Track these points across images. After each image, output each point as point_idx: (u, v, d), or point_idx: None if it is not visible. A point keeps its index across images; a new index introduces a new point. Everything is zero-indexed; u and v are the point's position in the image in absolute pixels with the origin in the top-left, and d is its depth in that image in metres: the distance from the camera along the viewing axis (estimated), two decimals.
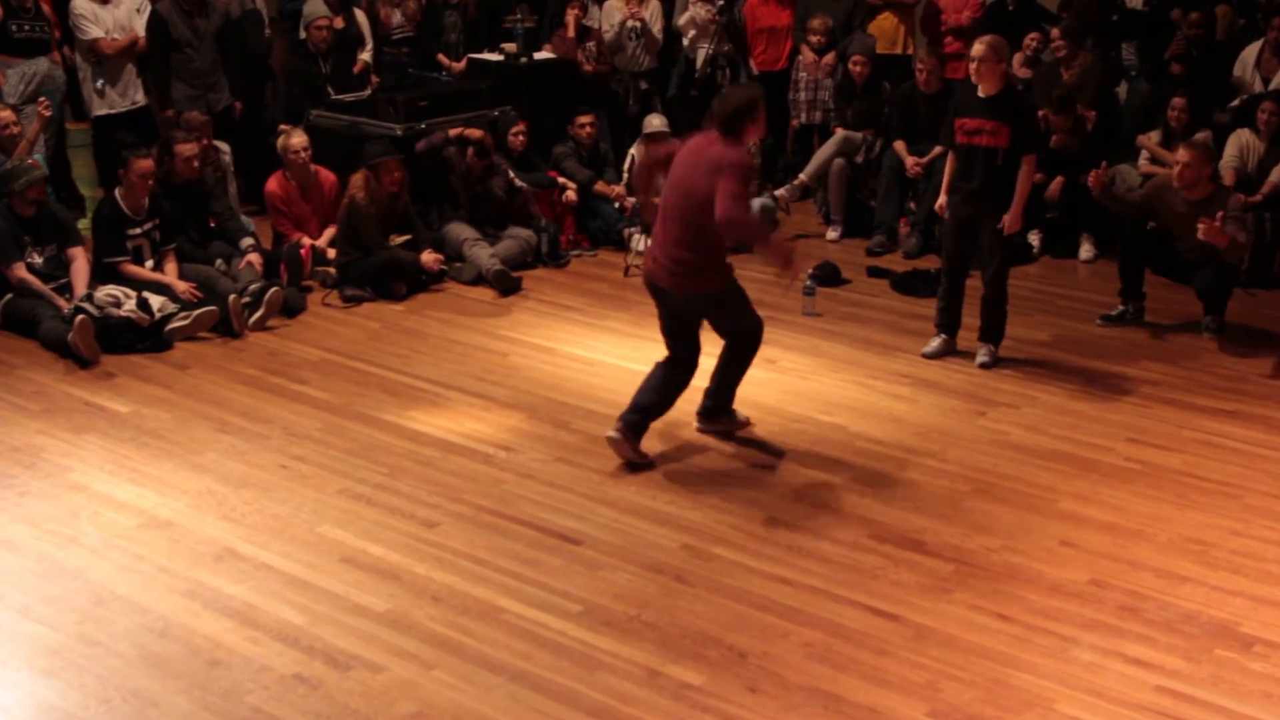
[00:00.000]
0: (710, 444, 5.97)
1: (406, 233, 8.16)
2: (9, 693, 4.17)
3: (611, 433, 5.70)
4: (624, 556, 4.98)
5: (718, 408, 6.04)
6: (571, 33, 10.03)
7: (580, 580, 4.81)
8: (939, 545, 5.06)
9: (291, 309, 7.63)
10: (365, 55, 9.78)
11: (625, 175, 9.06)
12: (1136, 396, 6.50)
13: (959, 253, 6.88)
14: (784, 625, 4.52)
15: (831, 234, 9.24)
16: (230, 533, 5.16)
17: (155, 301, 7.14)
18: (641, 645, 4.41)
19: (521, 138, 8.89)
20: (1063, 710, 4.08)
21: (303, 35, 9.65)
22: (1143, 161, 8.67)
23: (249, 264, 7.75)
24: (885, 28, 9.98)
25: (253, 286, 7.45)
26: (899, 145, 9.00)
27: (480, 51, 10.13)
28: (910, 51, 9.97)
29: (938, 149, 8.24)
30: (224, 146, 8.82)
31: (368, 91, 9.41)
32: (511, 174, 8.64)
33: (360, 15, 9.86)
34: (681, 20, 10.20)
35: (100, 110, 9.05)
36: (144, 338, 7.04)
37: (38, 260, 7.33)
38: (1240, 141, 8.14)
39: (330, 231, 8.25)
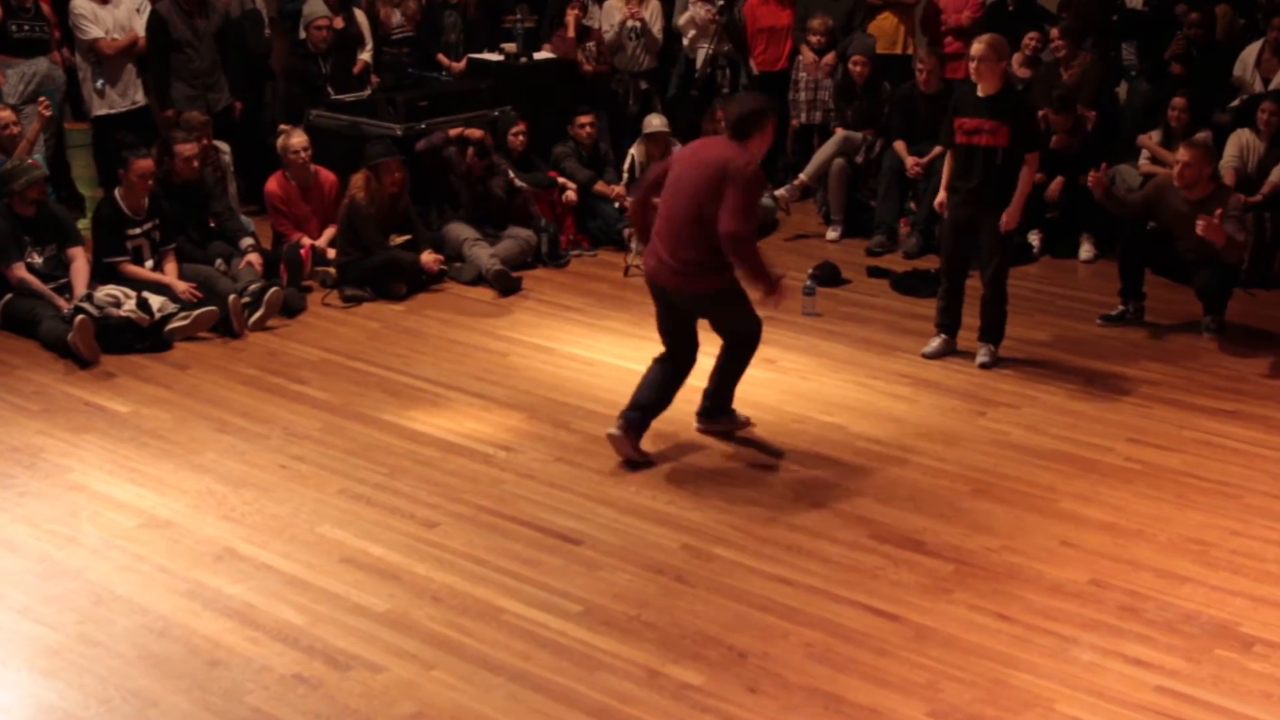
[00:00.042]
0: (710, 444, 5.97)
1: (406, 233, 8.16)
2: (9, 693, 4.17)
3: (613, 430, 5.70)
4: (624, 556, 4.98)
5: (717, 408, 6.04)
6: (571, 33, 10.03)
7: (580, 580, 4.81)
8: (939, 545, 5.06)
9: (291, 309, 7.63)
10: (365, 55, 9.78)
11: (625, 175, 9.06)
12: (1136, 396, 6.50)
13: (958, 253, 6.88)
14: (784, 625, 4.52)
15: (831, 234, 9.24)
16: (230, 533, 5.16)
17: (155, 301, 7.14)
18: (641, 645, 4.40)
19: (521, 138, 8.89)
20: (1063, 710, 4.08)
21: (303, 35, 9.65)
22: (1143, 161, 8.67)
23: (249, 264, 7.74)
24: (885, 28, 9.98)
25: (252, 286, 7.45)
26: (899, 145, 9.00)
27: (480, 51, 10.13)
28: (910, 51, 9.97)
29: (938, 149, 8.23)
30: (224, 146, 8.82)
31: (368, 91, 9.41)
32: (511, 174, 8.64)
33: (360, 15, 9.86)
34: (681, 20, 10.21)
35: (100, 110, 9.05)
36: (144, 338, 7.04)
37: (37, 260, 7.33)
38: (1240, 141, 8.14)
39: (330, 231, 8.25)
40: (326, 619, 4.55)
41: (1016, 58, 9.10)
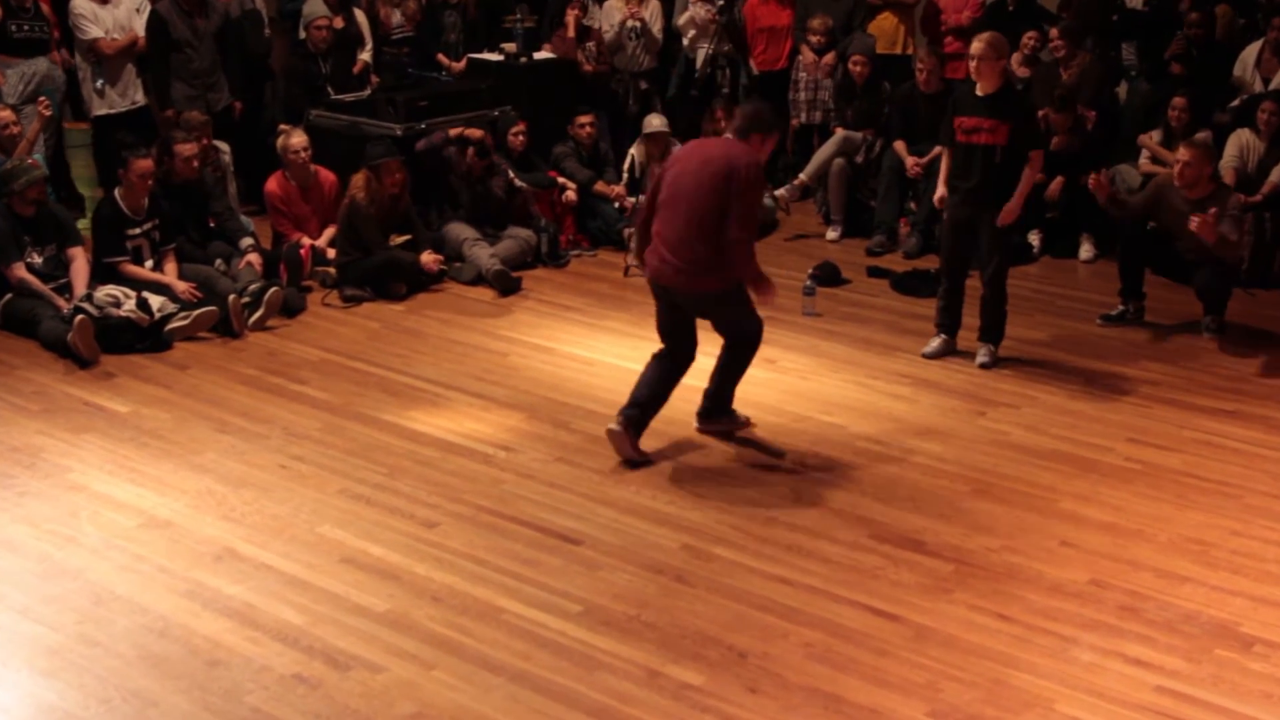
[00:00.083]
0: (710, 444, 5.97)
1: (406, 233, 8.16)
2: (9, 693, 4.17)
3: (613, 425, 5.70)
4: (624, 556, 4.98)
5: (717, 408, 6.03)
6: (571, 33, 10.03)
7: (580, 580, 4.81)
8: (939, 545, 5.06)
9: (291, 309, 7.63)
10: (365, 55, 9.78)
11: (625, 175, 9.06)
12: (1136, 396, 6.50)
13: (958, 253, 6.88)
14: (784, 625, 4.52)
15: (831, 234, 9.24)
16: (230, 533, 5.16)
17: (155, 301, 7.14)
18: (641, 645, 4.40)
19: (521, 138, 8.89)
20: (1063, 710, 4.08)
21: (302, 35, 9.65)
22: (1143, 161, 8.67)
23: (249, 264, 7.74)
24: (885, 28, 9.98)
25: (252, 286, 7.44)
26: (899, 145, 8.99)
27: (480, 51, 10.13)
28: (910, 51, 9.97)
29: (938, 149, 8.23)
30: (224, 146, 8.82)
31: (368, 91, 9.41)
32: (511, 174, 8.64)
33: (360, 15, 9.86)
34: (681, 20, 10.21)
35: (100, 110, 9.05)
36: (143, 338, 7.04)
37: (37, 260, 7.33)
38: (1240, 141, 8.14)
39: (330, 231, 8.25)
40: (326, 619, 4.55)
41: (1015, 57, 9.10)
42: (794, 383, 6.68)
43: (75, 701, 4.12)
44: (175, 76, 8.91)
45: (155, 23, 8.88)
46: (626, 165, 9.09)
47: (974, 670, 4.27)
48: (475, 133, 8.73)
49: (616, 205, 8.95)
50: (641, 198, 8.34)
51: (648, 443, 5.79)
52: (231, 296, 7.28)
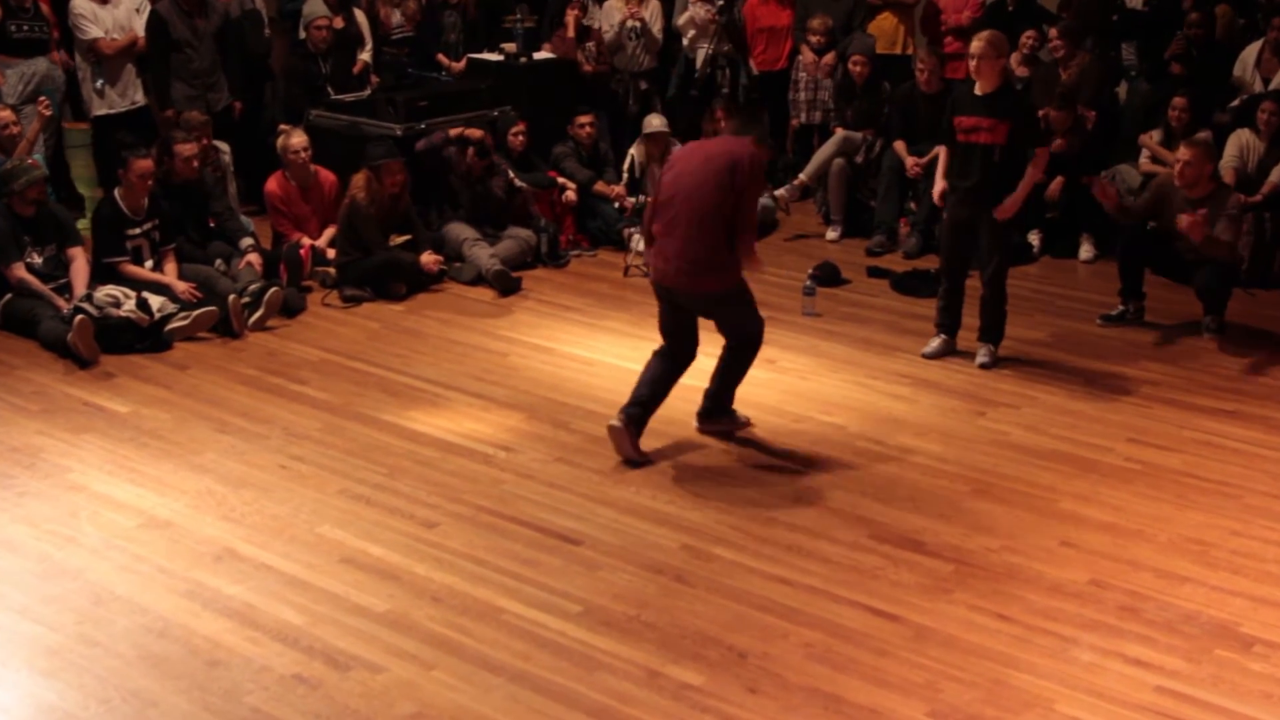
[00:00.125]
0: (710, 444, 5.97)
1: (407, 233, 8.16)
2: (9, 693, 4.17)
3: (615, 422, 5.70)
4: (624, 556, 4.98)
5: (717, 408, 6.03)
6: (571, 33, 10.03)
7: (580, 580, 4.81)
8: (939, 545, 5.06)
9: (291, 309, 7.63)
10: (365, 55, 9.78)
11: (625, 175, 9.06)
12: (1136, 396, 6.50)
13: (958, 253, 6.88)
14: (784, 625, 4.52)
15: (831, 234, 9.24)
16: (230, 533, 5.16)
17: (155, 301, 7.14)
18: (641, 645, 4.40)
19: (521, 138, 8.89)
20: (1063, 710, 4.07)
21: (302, 35, 9.65)
22: (1143, 160, 8.67)
23: (249, 264, 7.74)
24: (885, 28, 9.98)
25: (252, 286, 7.44)
26: (899, 145, 8.99)
27: (480, 51, 10.13)
28: (910, 51, 9.97)
29: (938, 149, 8.23)
30: (224, 146, 8.82)
31: (367, 91, 9.41)
32: (511, 174, 8.64)
33: (360, 15, 9.86)
34: (681, 20, 10.21)
35: (100, 110, 9.05)
36: (143, 338, 7.04)
37: (37, 260, 7.33)
38: (1240, 141, 8.14)
39: (330, 231, 8.25)
40: (326, 619, 4.55)
41: (1015, 56, 9.10)
42: (794, 383, 6.68)
43: (75, 701, 4.12)
44: (175, 76, 8.91)
45: (155, 23, 8.88)
46: (626, 165, 9.09)
47: (974, 670, 4.27)
48: (475, 133, 8.73)
49: (616, 205, 8.95)
50: (642, 198, 8.38)
51: (648, 443, 5.79)
52: (231, 296, 7.28)
